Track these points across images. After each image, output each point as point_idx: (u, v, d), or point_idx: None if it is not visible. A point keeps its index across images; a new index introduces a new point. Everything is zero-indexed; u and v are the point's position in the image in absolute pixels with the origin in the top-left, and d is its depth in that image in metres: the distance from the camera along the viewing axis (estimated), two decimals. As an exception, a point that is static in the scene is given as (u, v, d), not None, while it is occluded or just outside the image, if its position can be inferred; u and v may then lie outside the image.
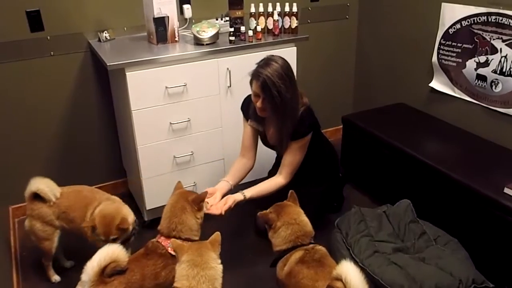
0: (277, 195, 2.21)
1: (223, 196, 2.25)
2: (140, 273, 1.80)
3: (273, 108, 2.21)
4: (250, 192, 2.27)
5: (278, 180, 2.36)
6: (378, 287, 2.06)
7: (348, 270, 1.56)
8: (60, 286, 2.36)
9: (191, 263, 1.64)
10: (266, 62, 2.18)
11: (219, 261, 1.68)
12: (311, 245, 1.91)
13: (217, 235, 1.73)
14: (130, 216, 2.11)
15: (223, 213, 2.13)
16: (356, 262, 2.16)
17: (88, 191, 2.27)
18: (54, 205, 2.19)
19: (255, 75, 2.18)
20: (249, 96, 2.40)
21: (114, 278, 1.73)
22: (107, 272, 1.71)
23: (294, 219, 1.95)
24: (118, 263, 1.73)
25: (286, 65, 2.20)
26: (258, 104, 2.22)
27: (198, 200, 1.97)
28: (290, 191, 2.09)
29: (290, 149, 2.34)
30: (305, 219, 1.99)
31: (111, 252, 1.70)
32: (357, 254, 2.20)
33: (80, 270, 1.67)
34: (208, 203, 2.17)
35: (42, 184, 2.17)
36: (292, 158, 2.35)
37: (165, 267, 1.85)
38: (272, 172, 2.72)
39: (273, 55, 2.24)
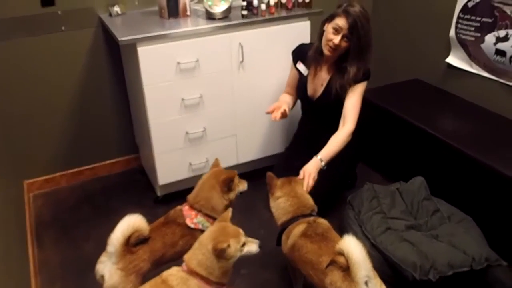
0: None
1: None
2: (161, 241, 1.86)
3: (354, 47, 2.20)
4: (324, 155, 2.18)
5: (345, 129, 2.26)
6: (390, 264, 2.06)
7: (350, 244, 1.55)
8: (76, 257, 2.40)
9: (199, 240, 1.69)
10: (350, 4, 2.19)
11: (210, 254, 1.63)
12: (312, 218, 1.91)
13: (222, 246, 1.61)
14: None
15: (309, 188, 2.04)
16: (368, 239, 2.16)
17: None
18: None
19: (345, 12, 2.18)
20: (302, 44, 2.55)
21: (139, 247, 1.78)
22: (132, 242, 1.75)
23: (295, 193, 1.97)
24: (141, 232, 1.76)
25: (366, 10, 2.22)
26: (336, 40, 2.20)
27: (227, 181, 1.96)
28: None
29: (352, 92, 2.29)
30: (307, 196, 2.00)
31: (132, 222, 1.72)
32: (369, 231, 2.19)
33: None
34: None
35: None
36: (355, 102, 2.29)
37: (182, 237, 1.90)
38: (291, 147, 2.71)
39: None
